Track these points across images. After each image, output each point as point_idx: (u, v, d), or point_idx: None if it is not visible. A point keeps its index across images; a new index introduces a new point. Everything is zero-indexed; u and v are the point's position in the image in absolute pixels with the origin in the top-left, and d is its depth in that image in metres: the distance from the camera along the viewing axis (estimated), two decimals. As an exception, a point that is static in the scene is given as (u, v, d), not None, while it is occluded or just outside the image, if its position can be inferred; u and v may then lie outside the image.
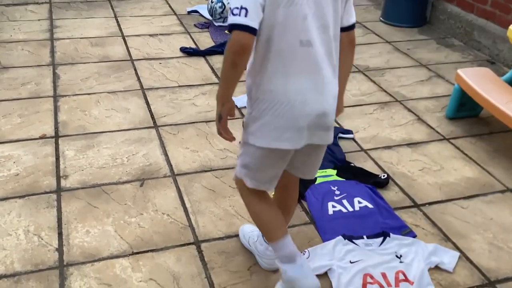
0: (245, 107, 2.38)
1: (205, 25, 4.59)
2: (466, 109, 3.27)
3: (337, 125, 3.17)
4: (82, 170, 2.65)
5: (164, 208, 2.43)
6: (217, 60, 3.93)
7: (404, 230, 2.33)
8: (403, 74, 3.91)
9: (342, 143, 2.97)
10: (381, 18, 4.96)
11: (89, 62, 3.84)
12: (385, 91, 3.63)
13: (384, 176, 2.67)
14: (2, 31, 4.30)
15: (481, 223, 2.43)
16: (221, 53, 3.96)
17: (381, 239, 2.22)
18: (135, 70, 3.76)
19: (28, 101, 3.28)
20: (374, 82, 3.75)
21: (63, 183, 2.56)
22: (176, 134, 3.01)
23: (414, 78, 3.85)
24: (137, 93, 3.45)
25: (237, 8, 1.48)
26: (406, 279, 2.05)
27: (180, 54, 4.04)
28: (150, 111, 3.24)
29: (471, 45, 4.41)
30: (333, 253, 2.14)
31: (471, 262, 2.21)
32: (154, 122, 3.13)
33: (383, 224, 2.34)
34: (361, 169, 2.74)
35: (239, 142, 1.80)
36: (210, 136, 2.99)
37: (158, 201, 2.47)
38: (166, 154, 2.82)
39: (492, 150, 2.99)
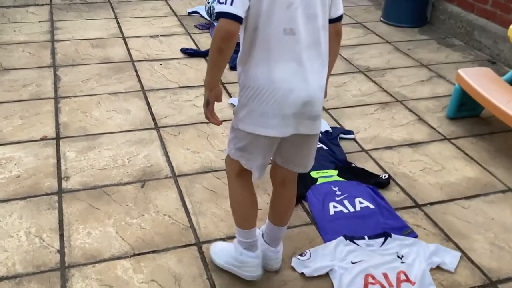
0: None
1: (206, 26, 4.60)
2: (467, 109, 3.27)
3: (338, 126, 3.17)
4: (83, 172, 2.66)
5: (165, 209, 2.43)
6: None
7: (406, 230, 2.33)
8: (403, 74, 3.91)
9: (343, 144, 2.97)
10: (381, 18, 4.96)
11: (89, 64, 3.84)
12: (386, 91, 3.63)
13: (385, 176, 2.67)
14: (3, 33, 4.31)
15: (482, 223, 2.43)
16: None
17: (382, 239, 2.22)
18: (136, 71, 3.76)
19: (29, 102, 3.28)
20: (375, 82, 3.75)
21: (64, 184, 2.56)
22: (177, 135, 3.01)
23: (415, 78, 3.85)
24: (137, 94, 3.45)
25: None
26: (408, 280, 2.04)
27: (181, 55, 4.05)
28: (151, 112, 3.24)
29: (472, 45, 4.41)
30: (335, 254, 2.14)
31: (472, 262, 2.20)
32: (155, 123, 3.13)
33: (384, 225, 2.34)
34: (362, 169, 2.74)
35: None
36: (211, 137, 2.99)
37: (159, 202, 2.47)
38: (167, 155, 2.82)
39: (493, 150, 2.99)
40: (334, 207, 2.46)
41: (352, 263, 2.10)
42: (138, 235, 2.27)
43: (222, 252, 2.10)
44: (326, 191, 2.54)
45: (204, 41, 4.30)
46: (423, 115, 3.34)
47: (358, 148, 2.97)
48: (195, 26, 4.61)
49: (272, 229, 2.05)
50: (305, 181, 2.61)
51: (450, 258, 2.17)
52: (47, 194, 2.49)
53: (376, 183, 2.62)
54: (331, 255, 2.13)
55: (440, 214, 2.47)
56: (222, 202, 2.47)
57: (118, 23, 4.63)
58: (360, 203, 2.48)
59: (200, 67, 3.85)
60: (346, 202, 2.49)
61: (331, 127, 3.09)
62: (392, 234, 2.24)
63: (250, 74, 1.67)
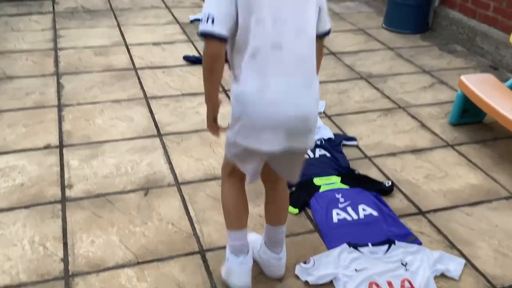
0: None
1: (208, 34, 4.61)
2: (469, 115, 3.27)
3: (341, 132, 3.17)
4: (87, 180, 2.66)
5: (169, 217, 2.43)
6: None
7: (409, 237, 2.32)
8: (406, 80, 3.91)
9: (345, 151, 2.97)
10: (383, 25, 4.98)
11: (92, 72, 3.86)
12: (388, 98, 3.63)
13: (388, 183, 2.67)
14: (6, 41, 4.33)
15: (486, 230, 2.42)
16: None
17: (386, 246, 2.21)
18: (139, 79, 3.77)
19: (32, 111, 3.30)
20: (377, 89, 3.76)
21: (68, 193, 2.56)
22: (180, 143, 3.02)
23: (417, 84, 3.85)
24: (140, 102, 3.46)
25: (205, 15, 1.54)
26: (412, 287, 2.04)
27: (183, 62, 4.06)
28: (154, 119, 3.25)
29: (474, 51, 4.42)
30: (338, 261, 2.13)
31: (476, 269, 2.20)
32: (158, 130, 3.13)
33: (388, 232, 2.34)
34: (365, 176, 2.74)
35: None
36: (214, 144, 2.99)
37: (162, 210, 2.47)
38: (170, 163, 2.82)
39: (496, 156, 2.99)
40: (338, 214, 2.46)
41: (356, 270, 2.09)
42: (141, 243, 2.27)
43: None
44: (330, 199, 2.54)
45: (207, 48, 4.31)
46: (426, 122, 3.34)
47: (361, 155, 2.97)
48: (198, 33, 4.62)
49: (271, 231, 2.05)
50: (308, 189, 2.61)
51: (454, 266, 2.17)
52: (51, 203, 2.49)
53: (379, 190, 2.62)
54: (335, 263, 2.13)
55: (444, 221, 2.46)
56: (226, 209, 2.47)
57: (120, 31, 4.65)
58: (364, 210, 2.48)
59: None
60: (349, 209, 2.48)
61: (334, 134, 3.10)
62: (396, 242, 2.23)
63: (240, 89, 1.66)
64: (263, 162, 1.84)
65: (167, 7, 5.32)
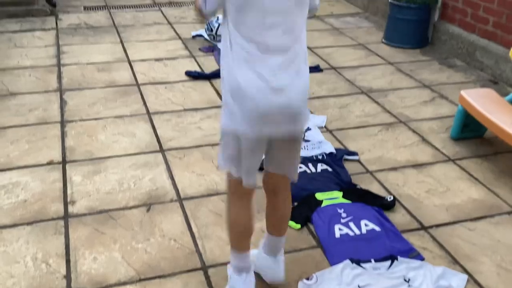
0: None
1: (210, 49, 4.66)
2: (470, 130, 3.28)
3: (342, 147, 3.19)
4: (89, 196, 2.67)
5: (171, 233, 2.43)
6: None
7: (412, 253, 2.32)
8: (406, 95, 3.93)
9: (347, 165, 2.98)
10: (383, 40, 5.01)
11: (95, 88, 3.89)
12: (389, 112, 3.65)
13: (390, 198, 2.68)
14: (9, 58, 4.37)
15: (488, 245, 2.42)
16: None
17: (389, 262, 2.21)
18: (141, 94, 3.80)
19: (35, 127, 3.32)
20: (378, 103, 3.78)
21: (71, 209, 2.57)
22: (182, 158, 3.03)
23: (418, 99, 3.87)
24: (143, 117, 3.48)
25: None
26: (415, 303, 2.04)
27: (185, 78, 4.09)
28: (156, 135, 3.27)
29: (474, 65, 4.44)
30: (341, 278, 2.13)
31: (479, 285, 2.19)
32: (160, 146, 3.15)
33: (390, 247, 2.34)
34: (367, 191, 2.75)
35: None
36: (216, 159, 3.00)
37: (165, 226, 2.48)
38: (172, 178, 2.83)
39: (498, 170, 2.99)
40: (340, 229, 2.46)
41: (359, 287, 2.09)
42: (143, 260, 2.27)
43: None
44: (332, 213, 2.55)
45: (209, 63, 4.35)
46: (427, 136, 3.35)
47: (363, 170, 2.98)
48: (200, 49, 4.67)
49: (271, 240, 2.07)
50: (310, 204, 2.61)
51: (457, 281, 2.16)
52: (54, 219, 2.50)
53: (381, 205, 2.62)
54: (338, 279, 2.12)
55: (446, 236, 2.46)
56: (228, 225, 2.47)
57: (123, 47, 4.69)
58: (366, 225, 2.48)
59: (204, 89, 3.89)
60: (351, 224, 2.49)
61: (335, 149, 3.11)
62: (399, 257, 2.23)
63: (229, 77, 1.69)
64: (256, 157, 1.81)
65: (169, 23, 5.37)
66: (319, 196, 2.66)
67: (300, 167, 2.92)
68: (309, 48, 1.99)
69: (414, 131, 3.41)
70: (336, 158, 3.01)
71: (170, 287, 2.13)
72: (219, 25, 4.58)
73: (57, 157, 3.00)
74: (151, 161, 2.99)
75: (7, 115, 3.46)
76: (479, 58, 4.39)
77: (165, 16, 5.57)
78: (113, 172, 2.88)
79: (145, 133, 3.29)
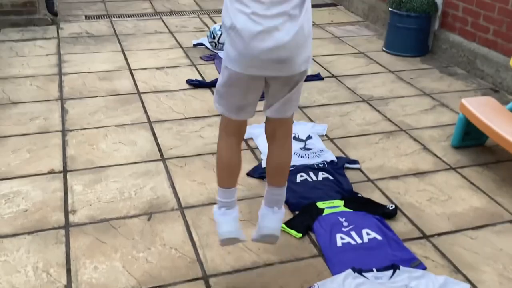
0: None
1: (211, 57, 4.67)
2: (471, 138, 3.28)
3: (343, 155, 3.18)
4: (90, 205, 2.67)
5: (172, 242, 2.43)
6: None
7: (414, 262, 2.31)
8: (407, 103, 3.94)
9: (348, 174, 2.98)
10: (383, 48, 5.03)
11: (97, 96, 3.89)
12: (390, 121, 3.65)
13: (392, 206, 2.67)
14: (11, 67, 4.39)
15: (490, 254, 2.41)
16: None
17: (391, 271, 2.20)
18: (142, 103, 3.81)
19: (36, 136, 3.32)
20: (379, 112, 3.78)
21: (71, 218, 2.57)
22: (183, 167, 3.03)
23: (418, 107, 3.88)
24: (144, 126, 3.49)
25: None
26: (417, 313, 2.02)
27: (186, 86, 4.10)
28: (157, 143, 3.27)
29: (474, 74, 4.45)
30: (343, 287, 2.12)
31: (482, 294, 2.18)
32: (161, 154, 3.15)
33: (392, 256, 2.33)
34: (368, 199, 2.74)
35: None
36: (217, 168, 3.00)
37: (166, 235, 2.47)
38: (173, 187, 2.83)
39: (499, 179, 2.99)
40: (342, 238, 2.45)
41: (361, 296, 2.08)
42: (144, 269, 2.26)
43: None
44: (333, 222, 2.54)
45: (210, 72, 4.36)
46: (428, 144, 3.35)
47: (364, 178, 2.98)
48: (201, 57, 4.69)
49: (268, 191, 2.12)
50: (312, 212, 2.61)
51: (459, 291, 2.15)
52: (54, 228, 2.49)
53: (383, 214, 2.61)
54: (340, 289, 2.11)
55: (448, 245, 2.45)
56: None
57: (124, 55, 4.71)
58: (368, 234, 2.47)
59: (205, 98, 3.90)
60: (353, 233, 2.48)
61: (336, 157, 3.11)
62: (401, 266, 2.22)
63: (225, 19, 1.82)
64: (247, 96, 1.95)
65: (170, 31, 5.39)
66: (320, 204, 2.65)
67: (302, 176, 2.92)
68: (310, 57, 2.02)
69: (415, 140, 3.41)
70: (337, 167, 3.01)
71: (171, 297, 2.12)
72: (221, 33, 4.60)
73: (58, 166, 3.00)
74: (152, 169, 2.99)
75: (8, 124, 3.46)
76: (479, 67, 4.40)
77: (166, 25, 5.60)
78: (114, 181, 2.88)
79: (146, 142, 3.29)
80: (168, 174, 2.95)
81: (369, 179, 2.97)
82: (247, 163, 2.99)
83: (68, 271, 2.24)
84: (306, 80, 2.02)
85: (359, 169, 3.06)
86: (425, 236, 2.51)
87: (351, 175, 2.97)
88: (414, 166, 3.11)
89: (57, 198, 2.72)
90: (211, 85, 4.07)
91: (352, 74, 4.44)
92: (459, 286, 2.18)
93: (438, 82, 4.33)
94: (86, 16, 5.83)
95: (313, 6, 1.90)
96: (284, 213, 2.20)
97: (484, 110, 3.08)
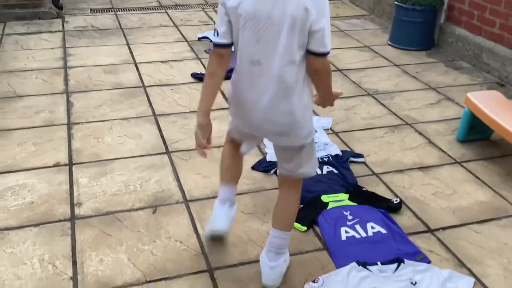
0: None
1: (215, 51, 4.66)
2: (476, 132, 3.27)
3: (348, 149, 3.18)
4: (96, 198, 2.68)
5: (177, 235, 2.44)
6: (228, 85, 3.97)
7: (418, 256, 2.31)
8: (412, 97, 3.92)
9: (353, 167, 2.97)
10: (389, 42, 5.01)
11: (102, 90, 3.90)
12: (395, 114, 3.64)
13: (396, 200, 2.67)
14: (16, 60, 4.40)
15: (495, 248, 2.41)
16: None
17: (395, 265, 2.20)
18: (147, 96, 3.81)
19: (42, 129, 3.33)
20: (384, 105, 3.77)
21: (77, 211, 2.58)
22: (188, 160, 3.03)
23: (424, 101, 3.86)
24: (149, 119, 3.49)
25: (215, 30, 1.87)
26: (422, 306, 2.03)
27: (191, 79, 4.10)
28: (162, 137, 3.28)
29: (480, 68, 4.43)
30: (348, 280, 2.12)
31: (486, 288, 2.18)
32: (166, 148, 3.16)
33: (397, 250, 2.33)
34: (373, 193, 2.74)
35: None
36: (221, 162, 3.00)
37: (171, 228, 2.48)
38: (178, 180, 2.84)
39: (504, 173, 2.98)
40: (346, 232, 2.45)
41: (365, 289, 2.08)
42: (149, 261, 2.27)
43: None
44: (338, 216, 2.54)
45: (214, 66, 4.35)
46: (433, 138, 3.34)
47: (369, 172, 2.98)
48: (205, 51, 4.68)
49: (271, 233, 2.13)
50: (316, 206, 2.61)
51: (463, 284, 2.15)
52: (60, 221, 2.51)
53: (387, 208, 2.61)
54: (344, 282, 2.12)
55: (452, 239, 2.45)
56: (234, 227, 2.46)
57: (129, 49, 4.71)
58: (372, 228, 2.48)
59: (210, 92, 3.89)
60: (358, 227, 2.48)
61: (341, 151, 3.10)
62: (405, 260, 2.22)
63: (231, 93, 1.99)
64: (250, 142, 2.20)
65: (175, 25, 5.39)
66: (325, 198, 2.66)
67: (306, 169, 2.92)
68: (315, 50, 2.01)
69: (420, 133, 3.40)
70: (342, 160, 3.00)
71: (176, 289, 2.13)
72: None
73: (64, 159, 3.02)
74: (157, 163, 3.00)
75: (14, 117, 3.48)
76: (485, 60, 4.37)
77: (171, 19, 5.59)
78: (119, 174, 2.89)
79: (151, 135, 3.29)
80: (173, 167, 2.96)
81: (373, 173, 2.96)
82: (252, 157, 2.99)
83: (74, 263, 2.25)
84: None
85: (364, 163, 3.06)
86: (429, 230, 2.51)
87: (356, 169, 2.97)
88: (419, 160, 3.10)
89: (62, 191, 2.73)
90: (216, 78, 4.06)
91: (357, 68, 4.42)
92: (463, 279, 2.18)
93: (443, 76, 4.31)
94: (91, 10, 5.83)
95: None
96: (287, 264, 2.19)
97: (490, 104, 3.07)
